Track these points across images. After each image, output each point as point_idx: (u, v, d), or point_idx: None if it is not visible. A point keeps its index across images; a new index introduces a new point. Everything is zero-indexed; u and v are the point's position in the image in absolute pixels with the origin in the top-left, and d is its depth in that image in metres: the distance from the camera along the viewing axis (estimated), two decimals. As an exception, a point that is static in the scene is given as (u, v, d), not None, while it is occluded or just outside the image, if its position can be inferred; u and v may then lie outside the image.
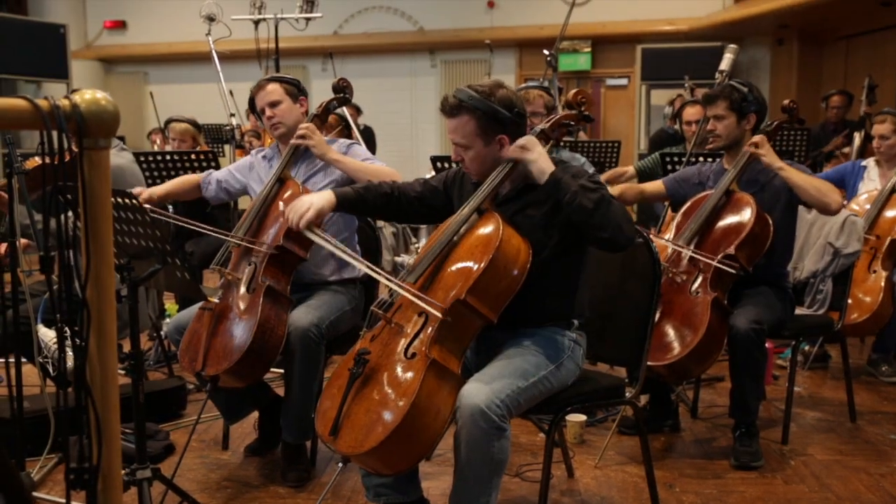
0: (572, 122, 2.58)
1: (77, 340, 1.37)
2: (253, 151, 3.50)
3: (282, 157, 3.22)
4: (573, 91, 2.63)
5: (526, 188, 2.38)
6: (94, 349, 1.40)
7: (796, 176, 3.22)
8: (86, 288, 1.37)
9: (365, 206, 2.59)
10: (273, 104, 3.22)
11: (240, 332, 2.84)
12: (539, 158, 2.31)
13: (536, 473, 3.02)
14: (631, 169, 5.00)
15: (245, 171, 3.43)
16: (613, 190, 3.48)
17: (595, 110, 11.10)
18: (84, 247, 1.38)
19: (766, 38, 10.12)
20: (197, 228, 2.94)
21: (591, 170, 3.69)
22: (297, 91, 3.29)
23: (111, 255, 1.42)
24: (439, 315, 2.17)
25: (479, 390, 2.13)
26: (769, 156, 3.25)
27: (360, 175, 3.12)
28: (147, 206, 2.93)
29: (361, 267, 2.44)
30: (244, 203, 5.97)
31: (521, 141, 2.35)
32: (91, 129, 1.36)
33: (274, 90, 3.23)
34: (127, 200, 2.36)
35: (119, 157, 3.71)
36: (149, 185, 4.40)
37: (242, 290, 2.94)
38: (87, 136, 1.36)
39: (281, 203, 3.05)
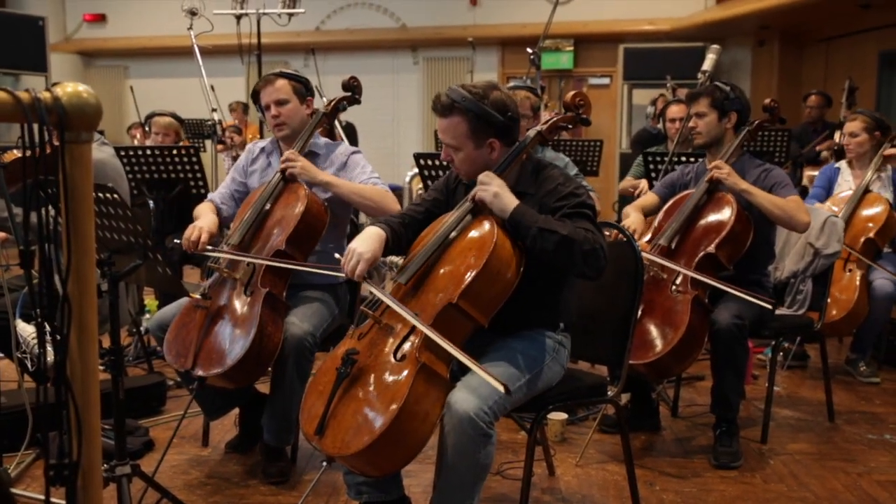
0: (570, 126, 2.54)
1: (57, 335, 1.36)
2: (249, 145, 3.43)
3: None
4: (571, 93, 2.55)
5: (517, 192, 2.33)
6: (75, 344, 1.38)
7: (761, 199, 3.23)
8: (67, 282, 1.35)
9: (399, 240, 2.46)
10: (280, 102, 3.14)
11: (237, 337, 2.79)
12: (497, 197, 2.26)
13: (518, 471, 3.03)
14: (643, 184, 4.84)
15: (244, 170, 3.35)
16: (637, 221, 3.44)
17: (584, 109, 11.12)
18: (65, 241, 1.36)
19: (748, 38, 10.19)
20: (218, 254, 2.90)
21: (573, 171, 3.71)
22: (305, 91, 3.21)
23: (93, 250, 1.40)
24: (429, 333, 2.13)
25: (467, 398, 2.11)
26: (732, 177, 3.25)
27: (354, 198, 3.07)
28: (209, 247, 2.94)
29: (402, 312, 2.21)
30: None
31: (481, 180, 2.30)
32: (73, 123, 1.34)
33: (282, 87, 3.14)
34: (107, 195, 2.34)
35: (100, 152, 3.66)
36: (129, 181, 4.37)
37: (240, 292, 2.89)
38: (68, 130, 1.34)
39: (284, 206, 3.00)
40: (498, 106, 2.31)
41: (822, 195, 4.71)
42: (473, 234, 2.28)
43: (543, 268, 2.28)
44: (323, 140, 3.31)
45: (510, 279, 2.23)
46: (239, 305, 2.87)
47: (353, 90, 3.29)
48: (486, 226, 2.26)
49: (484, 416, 2.10)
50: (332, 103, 3.27)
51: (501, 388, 2.05)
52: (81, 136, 1.37)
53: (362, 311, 2.34)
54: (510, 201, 2.25)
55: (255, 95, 3.24)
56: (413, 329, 2.20)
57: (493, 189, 2.27)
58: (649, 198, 3.66)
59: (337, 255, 2.43)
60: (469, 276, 2.17)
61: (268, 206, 3.02)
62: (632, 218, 3.46)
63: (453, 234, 2.31)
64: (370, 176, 3.16)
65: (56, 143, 1.34)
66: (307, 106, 3.22)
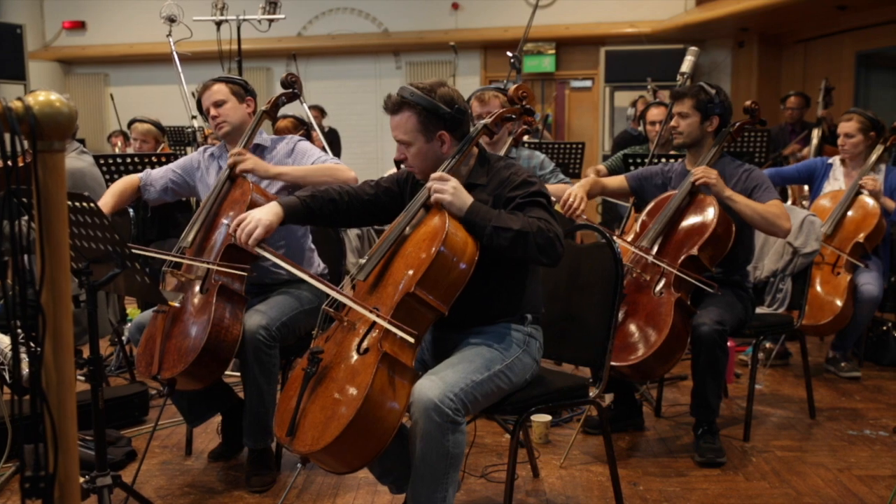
0: (514, 116, 2.63)
1: (31, 346, 1.35)
2: (199, 149, 3.45)
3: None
4: (514, 86, 2.67)
5: (470, 185, 2.39)
6: (50, 355, 1.37)
7: (744, 206, 3.23)
8: (41, 293, 1.35)
9: (313, 216, 2.56)
10: (218, 104, 3.20)
11: (194, 332, 2.83)
12: (455, 196, 2.29)
13: (502, 474, 3.03)
14: (603, 168, 5.03)
15: (190, 170, 3.37)
16: (579, 187, 3.45)
17: (559, 112, 11.16)
18: (39, 251, 1.35)
19: (727, 40, 10.26)
20: (166, 257, 2.90)
21: (549, 167, 3.73)
22: (243, 91, 3.26)
23: (67, 260, 1.39)
24: (386, 325, 2.16)
25: (432, 384, 2.14)
26: (718, 184, 3.26)
27: (309, 180, 3.10)
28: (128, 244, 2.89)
29: (308, 279, 2.37)
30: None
31: (435, 179, 2.32)
32: (45, 132, 1.34)
33: (219, 90, 3.21)
34: (84, 204, 2.32)
35: (79, 161, 3.64)
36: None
37: (196, 290, 2.93)
38: (41, 139, 1.33)
39: (231, 204, 3.02)
40: (445, 99, 2.38)
41: (793, 177, 4.74)
42: (426, 226, 2.33)
43: (501, 259, 2.32)
44: (268, 136, 3.34)
45: (465, 268, 2.26)
46: (196, 303, 2.91)
47: (291, 86, 3.35)
48: (438, 216, 2.31)
49: (450, 403, 2.12)
50: (272, 100, 3.32)
51: (411, 339, 2.13)
52: (54, 145, 1.37)
53: (324, 311, 2.36)
54: (465, 200, 2.29)
55: (199, 105, 3.29)
56: (375, 322, 2.22)
57: (451, 186, 2.29)
58: (618, 180, 3.66)
59: (225, 221, 2.46)
60: (424, 265, 2.21)
61: (216, 205, 3.06)
62: (575, 187, 3.37)
63: (407, 230, 2.36)
64: (318, 156, 3.22)
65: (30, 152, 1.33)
66: (247, 105, 3.27)
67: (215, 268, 2.88)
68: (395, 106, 2.39)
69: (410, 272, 2.24)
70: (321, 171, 3.12)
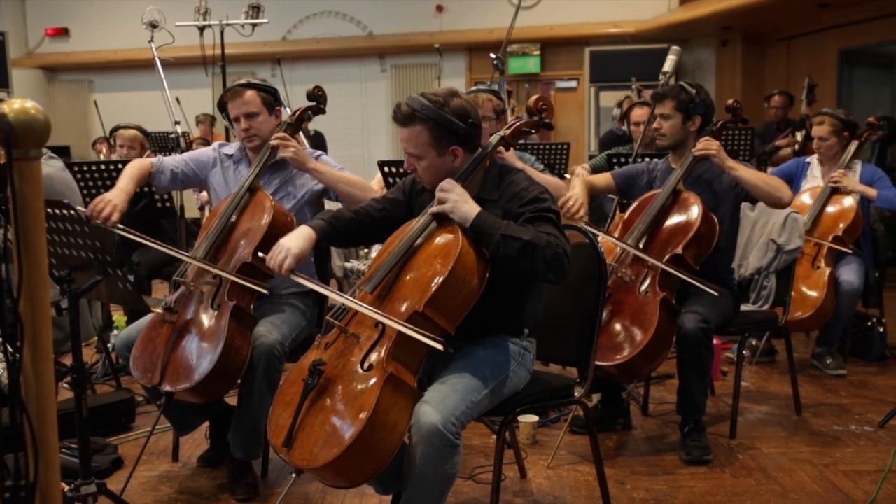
0: (533, 130, 2.54)
1: (12, 354, 1.34)
2: (215, 144, 3.37)
3: (252, 166, 3.11)
4: (534, 97, 2.54)
5: (480, 200, 2.31)
6: (29, 364, 1.37)
7: (747, 174, 3.26)
8: (19, 301, 1.34)
9: (339, 236, 2.51)
10: (250, 115, 3.11)
11: (204, 352, 2.76)
12: (457, 206, 2.24)
13: (489, 475, 3.02)
14: (587, 166, 5.03)
15: (205, 166, 3.30)
16: (581, 191, 3.44)
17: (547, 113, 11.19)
18: (16, 259, 1.35)
19: (711, 39, 10.30)
20: (177, 255, 2.86)
21: (540, 168, 3.73)
22: (274, 102, 3.19)
23: (45, 268, 1.39)
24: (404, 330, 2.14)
25: (434, 410, 2.11)
26: (720, 154, 3.29)
27: (341, 186, 3.06)
28: (120, 226, 2.85)
29: (341, 300, 2.31)
30: (192, 210, 5.89)
31: (440, 189, 2.28)
32: (21, 140, 1.34)
33: (252, 100, 3.12)
34: (64, 211, 2.31)
35: (47, 166, 3.60)
36: (85, 197, 4.31)
37: (206, 306, 2.86)
38: (16, 147, 1.33)
39: (249, 216, 2.98)
40: (459, 113, 2.30)
41: None
42: (438, 241, 2.27)
43: (507, 275, 2.28)
44: None
45: (476, 286, 2.23)
46: (206, 319, 2.84)
47: (317, 99, 3.24)
48: (451, 232, 2.25)
49: (451, 427, 2.10)
50: (297, 113, 3.22)
51: (440, 347, 2.11)
52: (30, 152, 1.37)
53: (328, 321, 2.33)
54: (471, 209, 2.24)
55: (222, 105, 3.20)
56: (379, 339, 2.20)
57: (454, 197, 2.26)
58: (604, 178, 3.65)
59: (261, 254, 2.46)
60: (435, 284, 2.16)
61: (234, 218, 2.99)
62: (577, 190, 3.40)
63: (418, 241, 2.30)
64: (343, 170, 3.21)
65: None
66: (276, 116, 3.20)
67: (231, 277, 2.83)
68: (405, 118, 2.31)
69: (420, 290, 2.19)
70: (355, 181, 3.10)
